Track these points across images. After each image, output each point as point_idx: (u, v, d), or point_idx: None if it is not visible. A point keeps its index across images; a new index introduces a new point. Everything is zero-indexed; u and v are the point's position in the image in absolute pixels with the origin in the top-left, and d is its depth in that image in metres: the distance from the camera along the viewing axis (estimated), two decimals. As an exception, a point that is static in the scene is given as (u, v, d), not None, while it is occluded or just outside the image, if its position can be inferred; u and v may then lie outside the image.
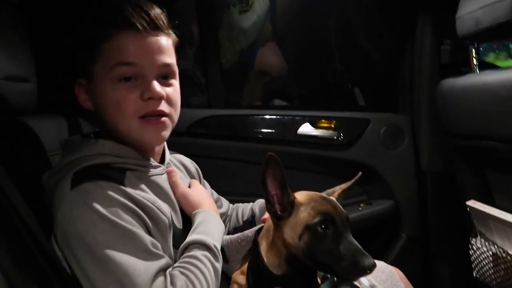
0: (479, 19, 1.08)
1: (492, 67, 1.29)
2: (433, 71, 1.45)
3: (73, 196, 0.74)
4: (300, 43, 2.12)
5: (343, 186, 0.94)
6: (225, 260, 1.00)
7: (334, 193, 0.92)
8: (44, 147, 0.95)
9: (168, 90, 0.84)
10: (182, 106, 0.90)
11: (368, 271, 0.76)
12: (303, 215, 0.81)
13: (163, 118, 0.84)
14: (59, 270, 0.72)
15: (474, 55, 1.28)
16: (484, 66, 1.29)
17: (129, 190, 0.77)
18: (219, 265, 0.84)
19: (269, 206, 0.83)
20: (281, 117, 1.64)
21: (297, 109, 1.76)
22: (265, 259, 0.86)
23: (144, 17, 0.80)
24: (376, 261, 1.10)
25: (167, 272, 0.76)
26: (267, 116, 1.65)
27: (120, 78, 0.80)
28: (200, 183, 1.10)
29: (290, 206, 0.83)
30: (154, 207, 0.79)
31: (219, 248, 0.86)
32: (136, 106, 0.81)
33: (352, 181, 0.94)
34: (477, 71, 1.28)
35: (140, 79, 0.81)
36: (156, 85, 0.81)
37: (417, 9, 1.48)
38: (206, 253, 0.82)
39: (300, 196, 0.84)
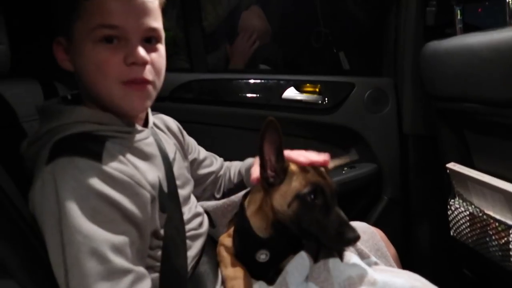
0: (466, -20, 1.07)
1: (477, 29, 1.28)
2: (418, 33, 1.43)
3: (47, 172, 0.70)
4: (285, 6, 2.07)
5: (336, 162, 0.95)
6: (212, 224, 1.01)
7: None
8: (16, 112, 0.92)
9: (153, 55, 0.80)
10: (165, 70, 0.86)
11: (352, 243, 0.79)
12: (295, 183, 0.82)
13: (147, 86, 0.80)
14: (39, 238, 0.71)
15: (459, 17, 1.27)
16: (469, 28, 1.29)
17: (106, 165, 0.73)
18: None
19: (262, 171, 0.84)
20: (265, 81, 1.62)
21: (281, 73, 1.74)
22: (251, 222, 0.87)
23: None
24: (359, 222, 1.14)
25: (121, 277, 0.67)
26: (252, 81, 1.62)
27: (101, 39, 0.75)
28: (184, 142, 1.08)
29: (283, 173, 0.83)
30: (132, 182, 0.75)
31: None
32: (118, 70, 0.76)
33: (347, 161, 0.96)
34: (462, 33, 1.27)
35: (124, 41, 0.76)
36: (141, 50, 0.77)
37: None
38: None
39: (294, 164, 0.85)
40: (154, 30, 0.80)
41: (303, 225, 0.81)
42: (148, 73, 0.79)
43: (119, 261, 0.68)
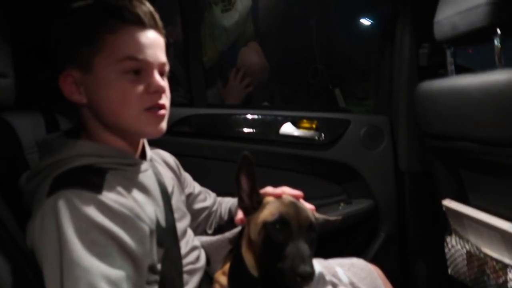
0: (456, 24, 1.12)
1: (468, 70, 1.33)
2: (412, 73, 1.49)
3: (47, 205, 0.71)
4: (282, 43, 2.13)
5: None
6: (207, 261, 1.00)
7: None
8: (22, 144, 0.93)
9: (166, 84, 0.87)
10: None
11: (299, 278, 0.74)
12: (265, 212, 0.84)
13: (162, 111, 0.86)
14: (35, 269, 0.70)
15: (450, 59, 1.32)
16: (460, 69, 1.33)
17: (107, 198, 0.73)
18: None
19: (241, 202, 0.88)
20: (263, 117, 1.65)
21: (279, 109, 1.77)
22: (246, 260, 0.87)
23: (147, 13, 0.83)
24: (356, 259, 1.13)
25: None
26: (250, 116, 1.65)
27: (129, 71, 0.81)
28: (180, 176, 1.09)
29: (258, 204, 0.87)
30: (131, 216, 0.75)
31: None
32: (141, 99, 0.82)
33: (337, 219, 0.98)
34: (453, 74, 1.32)
35: (144, 72, 0.82)
36: (160, 79, 0.84)
37: (396, 13, 1.52)
38: None
39: (271, 197, 0.89)
40: (165, 64, 0.87)
41: (267, 255, 0.81)
42: (165, 99, 0.86)
43: None
